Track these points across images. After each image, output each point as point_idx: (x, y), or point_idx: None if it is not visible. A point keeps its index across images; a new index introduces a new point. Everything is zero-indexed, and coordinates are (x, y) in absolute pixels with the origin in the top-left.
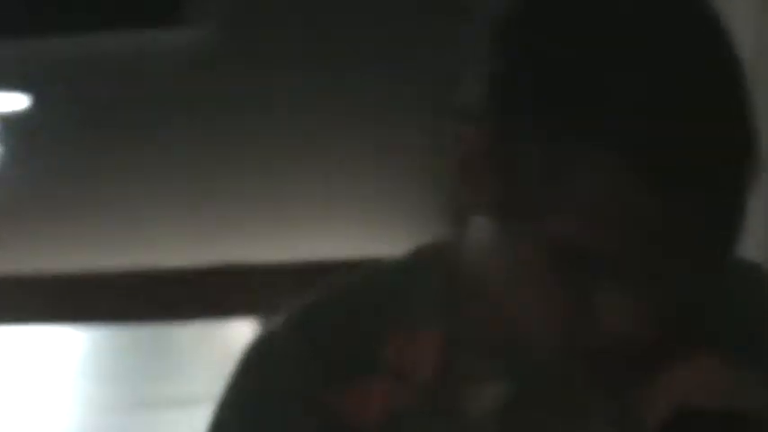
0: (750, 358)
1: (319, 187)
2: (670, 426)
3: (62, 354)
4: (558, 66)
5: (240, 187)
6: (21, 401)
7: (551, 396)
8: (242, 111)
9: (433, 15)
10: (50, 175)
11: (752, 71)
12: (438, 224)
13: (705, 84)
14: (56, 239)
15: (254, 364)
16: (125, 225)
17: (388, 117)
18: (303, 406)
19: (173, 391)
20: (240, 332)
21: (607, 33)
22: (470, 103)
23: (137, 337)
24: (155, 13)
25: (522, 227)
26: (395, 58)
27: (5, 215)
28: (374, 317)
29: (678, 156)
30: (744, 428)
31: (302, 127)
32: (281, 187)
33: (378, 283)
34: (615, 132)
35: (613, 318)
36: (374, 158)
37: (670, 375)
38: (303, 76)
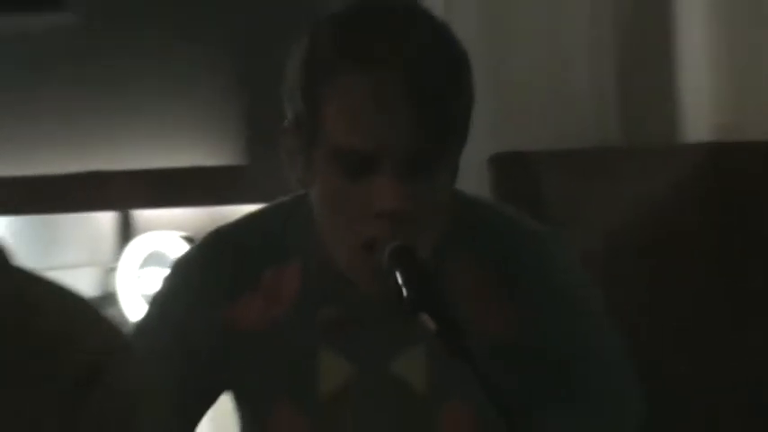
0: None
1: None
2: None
3: None
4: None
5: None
6: None
7: (376, 318)
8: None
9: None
10: None
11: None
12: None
13: None
14: None
15: (174, 272)
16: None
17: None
18: (205, 310)
19: (57, 260)
20: (105, 218)
21: None
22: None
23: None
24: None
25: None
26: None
27: None
28: (259, 250)
29: None
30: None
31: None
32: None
33: (264, 224)
34: None
35: None
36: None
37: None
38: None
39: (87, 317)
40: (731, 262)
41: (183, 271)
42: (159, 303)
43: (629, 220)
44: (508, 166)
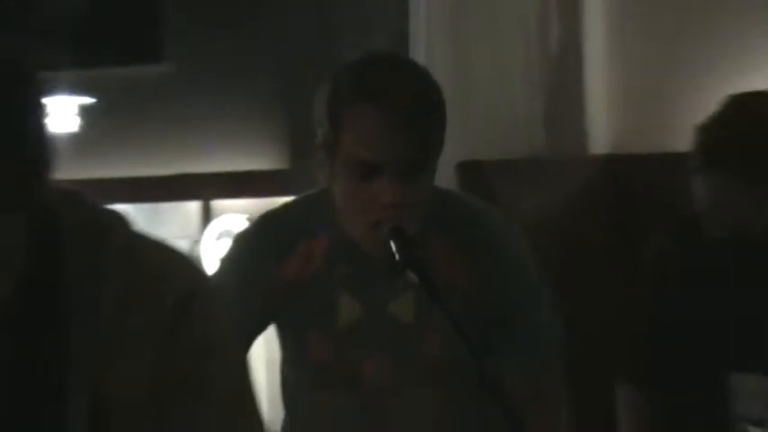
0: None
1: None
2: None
3: None
4: None
5: None
6: None
7: (378, 273)
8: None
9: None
10: None
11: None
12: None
13: None
14: None
15: (234, 242)
16: None
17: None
18: (259, 269)
19: (159, 235)
20: (192, 206)
21: None
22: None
23: None
24: (142, 54)
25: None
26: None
27: None
28: (297, 226)
29: None
30: None
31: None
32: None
33: (300, 209)
34: None
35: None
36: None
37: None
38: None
39: (182, 263)
40: (626, 245)
41: (240, 241)
42: (225, 262)
43: (549, 216)
44: (470, 171)
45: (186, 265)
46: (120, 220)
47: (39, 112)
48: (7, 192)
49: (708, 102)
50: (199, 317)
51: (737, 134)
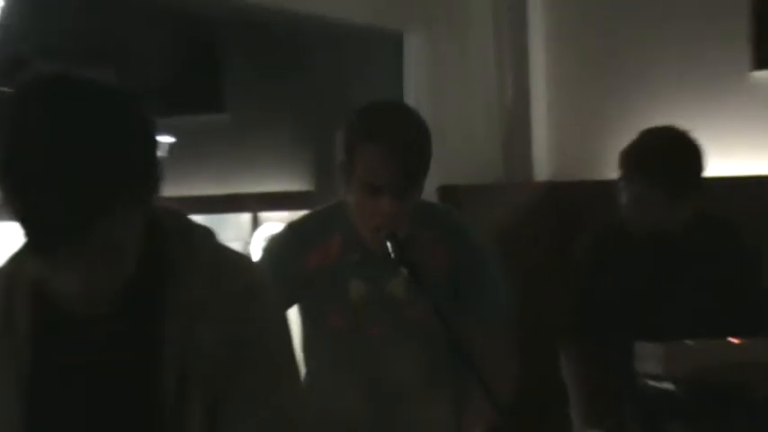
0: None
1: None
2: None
3: None
4: None
5: None
6: None
7: (379, 264)
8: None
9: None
10: None
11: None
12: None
13: None
14: None
15: (271, 241)
16: None
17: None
18: (289, 260)
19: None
20: (245, 216)
21: None
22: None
23: None
24: (209, 106)
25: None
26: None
27: None
28: (318, 229)
29: None
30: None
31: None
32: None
33: (320, 216)
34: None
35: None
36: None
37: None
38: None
39: (247, 262)
40: (563, 253)
41: (275, 241)
42: (265, 256)
43: (504, 223)
44: (447, 192)
45: (249, 263)
46: (206, 230)
47: (156, 144)
48: (138, 198)
49: (628, 138)
50: (260, 300)
51: (651, 155)
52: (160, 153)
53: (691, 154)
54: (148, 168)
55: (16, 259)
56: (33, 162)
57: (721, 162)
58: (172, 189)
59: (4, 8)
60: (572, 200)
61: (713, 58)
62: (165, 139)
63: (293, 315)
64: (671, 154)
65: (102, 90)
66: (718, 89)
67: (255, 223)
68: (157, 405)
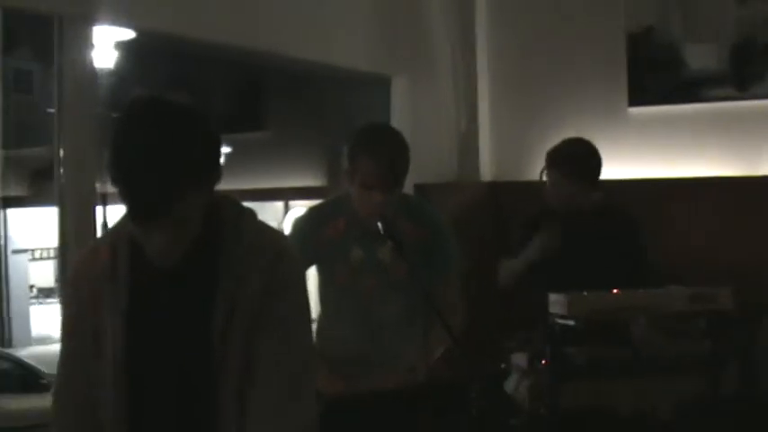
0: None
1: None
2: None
3: None
4: None
5: None
6: None
7: (373, 236)
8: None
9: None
10: None
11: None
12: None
13: None
14: None
15: (296, 221)
16: None
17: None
18: (309, 234)
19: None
20: (278, 204)
21: None
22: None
23: None
24: (252, 125)
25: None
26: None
27: None
28: (330, 212)
29: None
30: None
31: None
32: None
33: (331, 203)
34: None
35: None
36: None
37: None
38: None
39: (278, 235)
40: (500, 231)
41: (299, 220)
42: (293, 231)
43: (459, 216)
44: (420, 188)
45: (280, 235)
46: (250, 211)
47: (218, 150)
48: (204, 187)
49: (550, 147)
50: (286, 261)
51: (562, 154)
52: (221, 158)
53: (591, 154)
54: (212, 167)
55: (120, 224)
56: (134, 158)
57: (605, 170)
58: (228, 184)
59: (118, 59)
60: (508, 194)
61: (597, 96)
62: (224, 150)
63: (312, 273)
64: (575, 153)
65: (182, 109)
66: (602, 121)
67: (287, 208)
68: (212, 331)
